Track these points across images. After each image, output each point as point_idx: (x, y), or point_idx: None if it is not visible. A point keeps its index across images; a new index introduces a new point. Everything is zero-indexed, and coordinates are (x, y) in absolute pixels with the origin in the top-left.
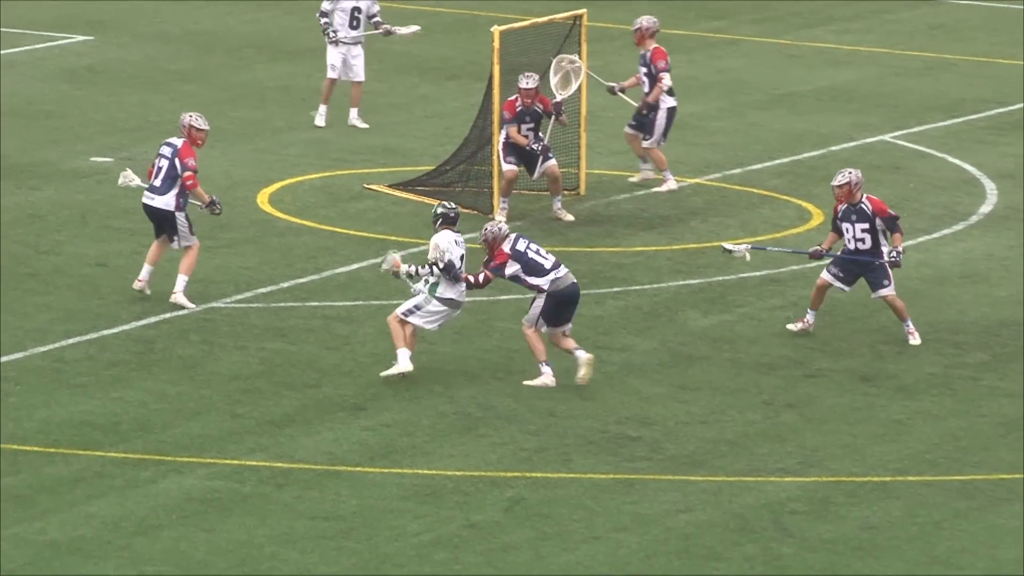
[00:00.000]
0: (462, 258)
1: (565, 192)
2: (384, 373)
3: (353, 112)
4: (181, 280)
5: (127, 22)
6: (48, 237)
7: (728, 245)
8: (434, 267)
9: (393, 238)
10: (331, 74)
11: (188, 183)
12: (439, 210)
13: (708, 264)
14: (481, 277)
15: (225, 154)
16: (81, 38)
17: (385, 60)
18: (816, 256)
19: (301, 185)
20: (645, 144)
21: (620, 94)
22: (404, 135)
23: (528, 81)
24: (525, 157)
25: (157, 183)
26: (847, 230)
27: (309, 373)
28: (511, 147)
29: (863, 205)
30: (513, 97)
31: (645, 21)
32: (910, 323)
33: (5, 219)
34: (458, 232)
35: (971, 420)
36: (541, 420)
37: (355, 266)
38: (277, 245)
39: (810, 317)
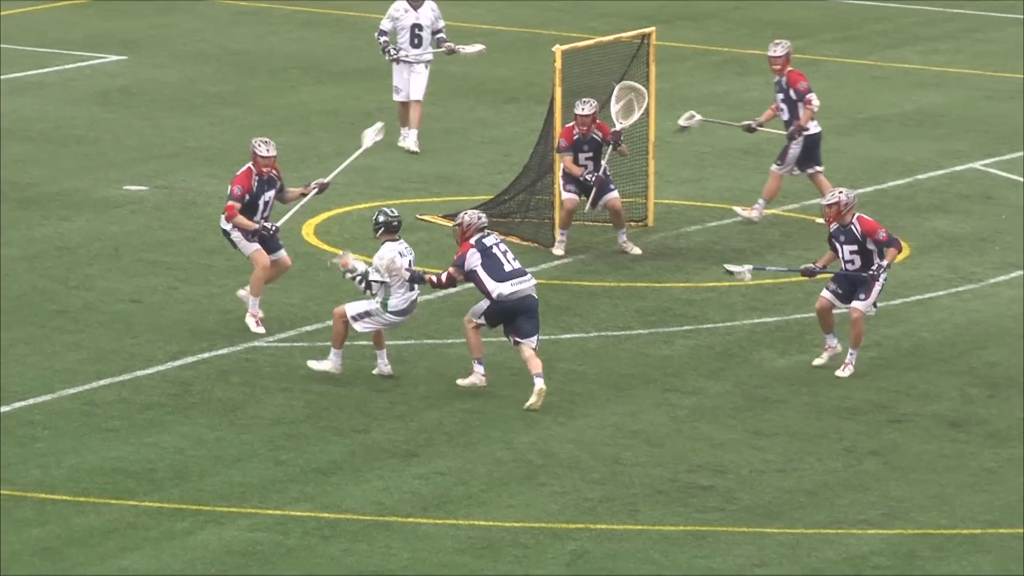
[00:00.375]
0: (409, 268)
1: (632, 223)
2: (313, 365)
3: (412, 135)
4: (249, 301)
5: (163, 41)
6: (79, 271)
7: (730, 267)
8: (379, 283)
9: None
10: (397, 97)
11: (226, 213)
12: (380, 218)
13: (785, 301)
14: (444, 276)
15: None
16: (114, 58)
17: (440, 82)
18: (808, 274)
19: (349, 215)
20: (775, 169)
21: (760, 129)
22: (459, 162)
23: (584, 107)
24: (586, 187)
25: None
26: (838, 250)
27: (357, 417)
28: (571, 175)
29: (852, 227)
30: (571, 124)
31: (781, 48)
32: (854, 354)
33: (33, 251)
34: (400, 240)
35: None
36: (605, 468)
37: (429, 297)
38: (323, 280)
39: (831, 341)
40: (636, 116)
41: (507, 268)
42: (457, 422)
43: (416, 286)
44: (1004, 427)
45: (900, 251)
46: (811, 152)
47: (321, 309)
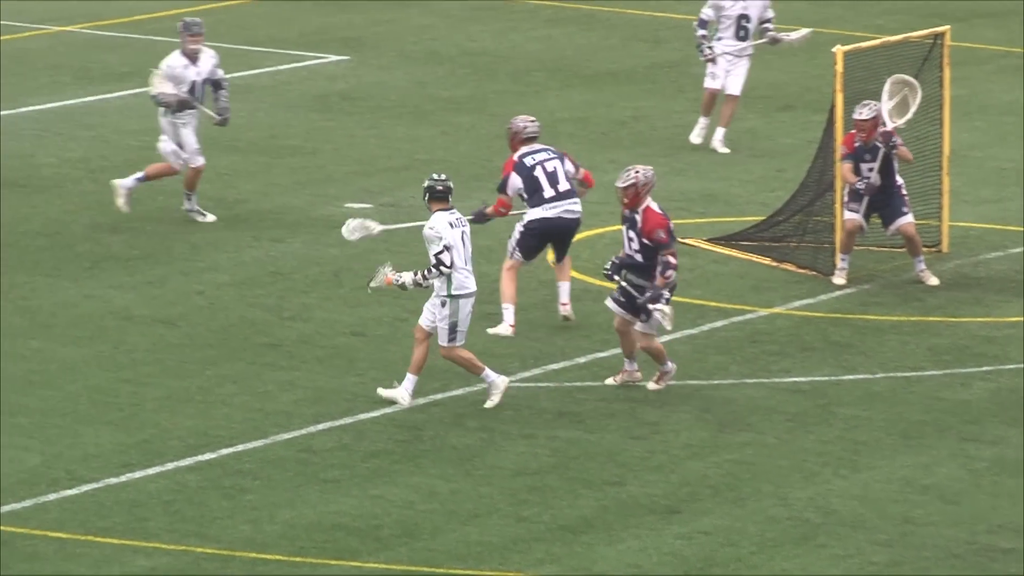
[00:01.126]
0: (463, 240)
1: (924, 249)
2: (386, 393)
3: (719, 133)
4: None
5: (390, 40)
6: (294, 300)
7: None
8: (440, 267)
9: (713, 304)
10: (710, 84)
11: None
12: (427, 183)
13: None
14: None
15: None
16: (334, 58)
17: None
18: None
19: (600, 239)
20: None
21: None
22: (727, 178)
23: (863, 111)
24: (877, 205)
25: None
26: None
27: (610, 468)
28: (856, 192)
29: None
30: (852, 131)
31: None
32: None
33: (242, 277)
34: (452, 210)
35: None
36: (893, 528)
37: (667, 337)
38: (573, 311)
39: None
40: (911, 114)
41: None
42: (724, 474)
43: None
44: None
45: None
46: None
47: (569, 345)
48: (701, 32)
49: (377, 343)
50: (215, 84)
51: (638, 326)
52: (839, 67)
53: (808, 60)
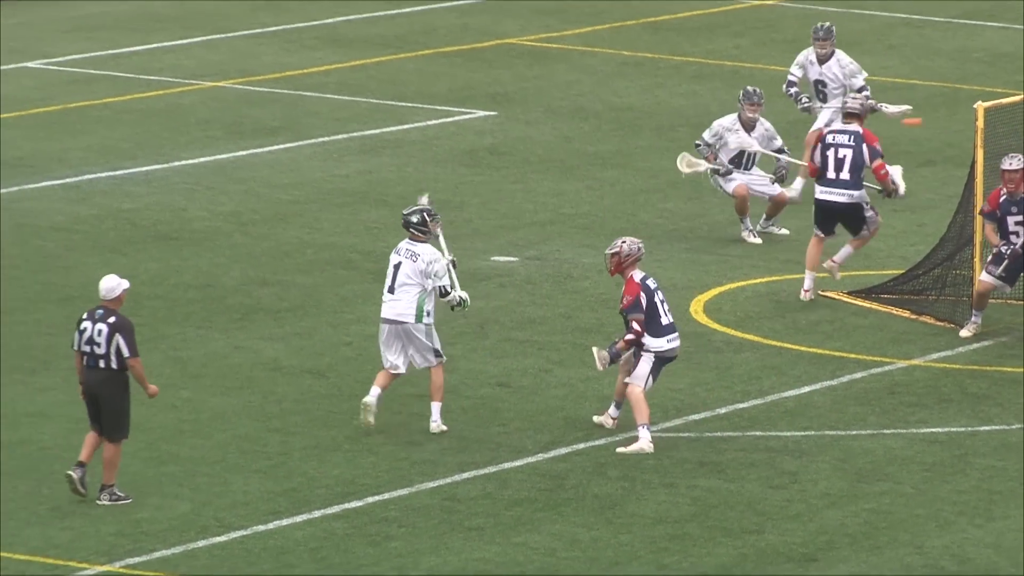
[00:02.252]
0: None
1: None
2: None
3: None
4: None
5: (537, 95)
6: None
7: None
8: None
9: (852, 355)
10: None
11: (882, 172)
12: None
13: None
14: (633, 334)
15: (654, 254)
16: (482, 113)
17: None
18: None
19: (743, 291)
20: None
21: None
22: None
23: (1013, 162)
24: (1007, 264)
25: (841, 175)
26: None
27: (749, 516)
28: (999, 254)
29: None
30: (999, 186)
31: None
32: None
33: None
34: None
35: None
36: None
37: (806, 389)
38: (713, 363)
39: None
40: None
41: (663, 321)
42: (861, 523)
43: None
44: None
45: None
46: None
47: (711, 396)
48: (793, 90)
49: (522, 394)
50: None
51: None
52: (980, 123)
53: (949, 116)
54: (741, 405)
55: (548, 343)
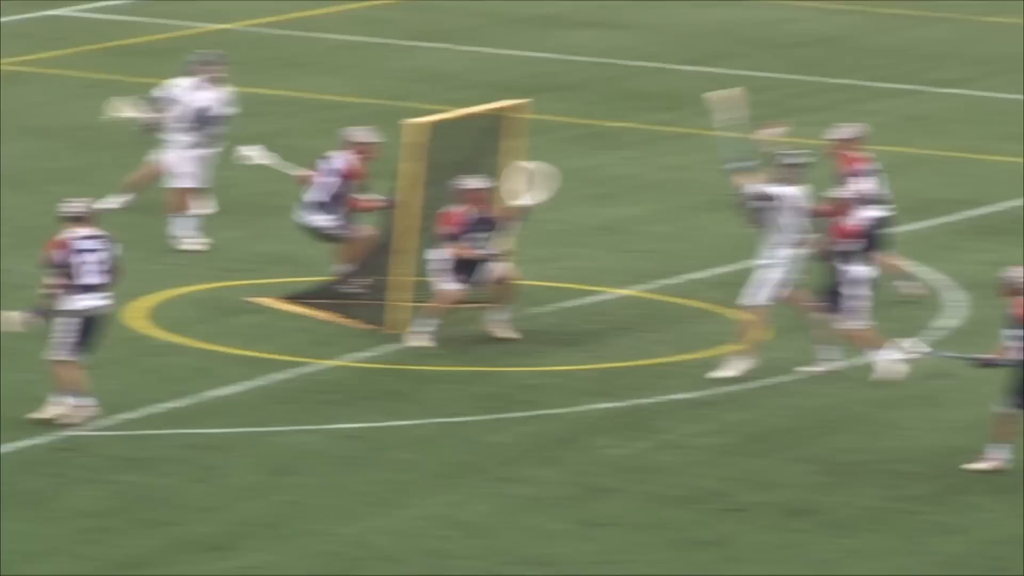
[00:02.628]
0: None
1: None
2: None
3: None
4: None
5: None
6: None
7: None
8: None
9: (279, 357)
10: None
11: None
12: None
13: (630, 385)
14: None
15: None
16: None
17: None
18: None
19: (183, 298)
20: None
21: None
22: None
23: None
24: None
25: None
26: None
27: (169, 509)
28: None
29: None
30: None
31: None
32: None
33: None
34: None
35: (910, 559)
36: (423, 561)
37: (232, 389)
38: (149, 365)
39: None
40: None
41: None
42: (275, 513)
43: None
44: (844, 516)
45: None
46: None
47: (146, 396)
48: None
49: None
50: None
51: None
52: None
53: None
54: (172, 404)
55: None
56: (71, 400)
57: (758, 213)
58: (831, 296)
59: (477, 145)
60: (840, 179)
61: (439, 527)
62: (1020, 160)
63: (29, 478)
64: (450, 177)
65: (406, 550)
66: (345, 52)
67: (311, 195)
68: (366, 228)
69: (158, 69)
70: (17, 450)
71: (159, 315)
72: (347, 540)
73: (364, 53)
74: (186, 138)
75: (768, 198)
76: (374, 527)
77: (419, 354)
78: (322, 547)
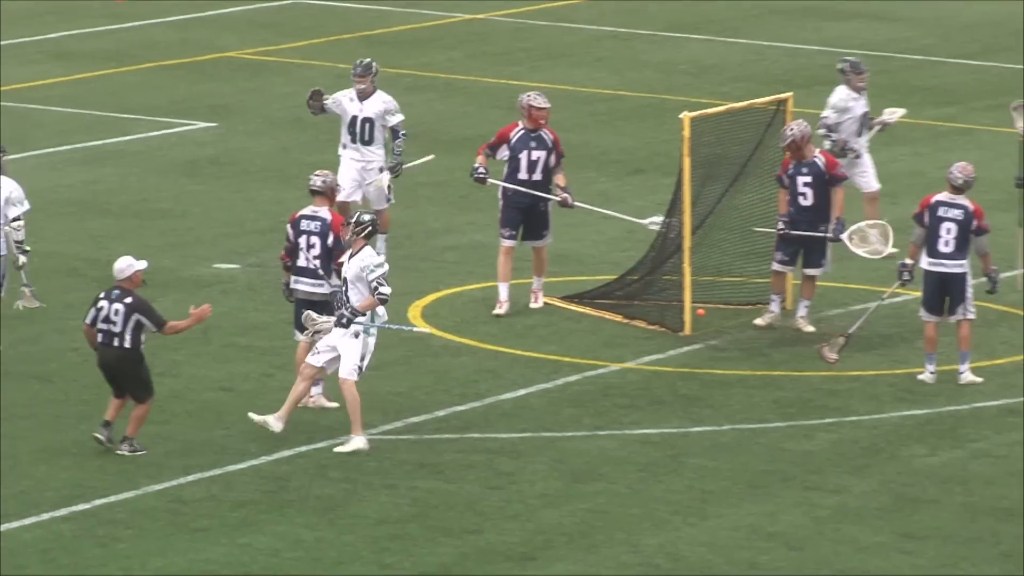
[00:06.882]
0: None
1: (758, 305)
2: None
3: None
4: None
5: (256, 107)
6: (164, 356)
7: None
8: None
9: (567, 359)
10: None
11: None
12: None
13: (935, 392)
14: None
15: None
16: (203, 125)
17: None
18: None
19: (459, 296)
20: None
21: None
22: (580, 239)
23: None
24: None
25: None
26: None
27: (469, 516)
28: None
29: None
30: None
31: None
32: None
33: None
34: None
35: None
36: (740, 573)
37: (522, 391)
38: (431, 366)
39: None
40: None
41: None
42: (577, 522)
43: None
44: None
45: None
46: None
47: (430, 399)
48: (834, 137)
49: (245, 397)
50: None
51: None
52: (686, 132)
53: (657, 126)
54: (459, 408)
55: (270, 348)
56: None
57: None
58: None
59: (751, 139)
60: None
61: (751, 538)
62: None
63: (321, 483)
64: (728, 172)
65: (717, 562)
66: (606, 43)
67: None
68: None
69: (407, 60)
70: (301, 454)
71: (437, 314)
72: (654, 550)
73: (624, 44)
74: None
75: None
76: (682, 537)
77: (713, 357)
78: (628, 558)
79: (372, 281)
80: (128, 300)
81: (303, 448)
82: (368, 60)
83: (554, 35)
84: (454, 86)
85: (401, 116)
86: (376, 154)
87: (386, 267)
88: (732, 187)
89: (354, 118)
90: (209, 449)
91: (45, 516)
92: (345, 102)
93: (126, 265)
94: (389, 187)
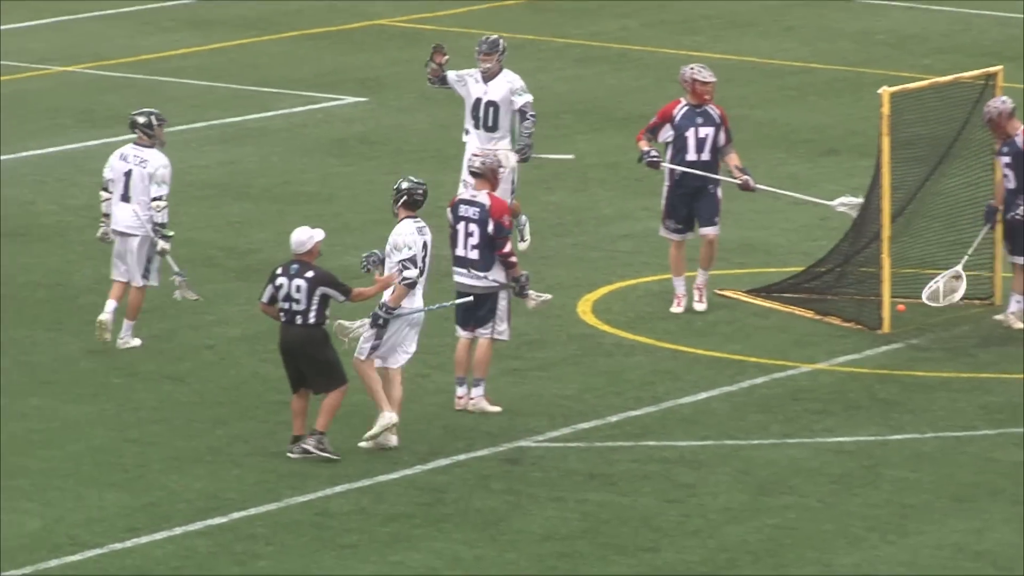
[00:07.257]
0: (424, 252)
1: (977, 301)
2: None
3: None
4: None
5: (410, 80)
6: None
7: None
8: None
9: (753, 359)
10: None
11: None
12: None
13: None
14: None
15: (538, 250)
16: (352, 100)
17: (743, 130)
18: None
19: (634, 290)
20: None
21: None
22: (767, 227)
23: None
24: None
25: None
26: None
27: (644, 532)
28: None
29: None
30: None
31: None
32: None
33: (254, 331)
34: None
35: None
36: None
37: (703, 395)
38: (603, 367)
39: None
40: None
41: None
42: (764, 539)
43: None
44: None
45: None
46: None
47: (601, 403)
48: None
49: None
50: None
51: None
52: (885, 109)
53: (853, 102)
54: (634, 412)
55: (425, 346)
56: None
57: None
58: None
59: (957, 117)
60: None
61: (956, 558)
62: None
63: (482, 496)
64: (931, 154)
65: None
66: (796, 10)
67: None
68: None
69: (575, 29)
70: (459, 463)
71: (609, 309)
72: (849, 571)
73: (817, 13)
74: None
75: None
76: (880, 556)
77: (914, 358)
78: None
79: (396, 264)
80: (309, 274)
81: (461, 456)
82: (495, 37)
83: (739, 2)
84: (628, 57)
85: (529, 96)
86: (502, 144)
87: (414, 249)
88: (936, 170)
89: (478, 100)
90: (358, 457)
91: (178, 530)
92: (471, 82)
93: (306, 237)
94: (514, 179)
